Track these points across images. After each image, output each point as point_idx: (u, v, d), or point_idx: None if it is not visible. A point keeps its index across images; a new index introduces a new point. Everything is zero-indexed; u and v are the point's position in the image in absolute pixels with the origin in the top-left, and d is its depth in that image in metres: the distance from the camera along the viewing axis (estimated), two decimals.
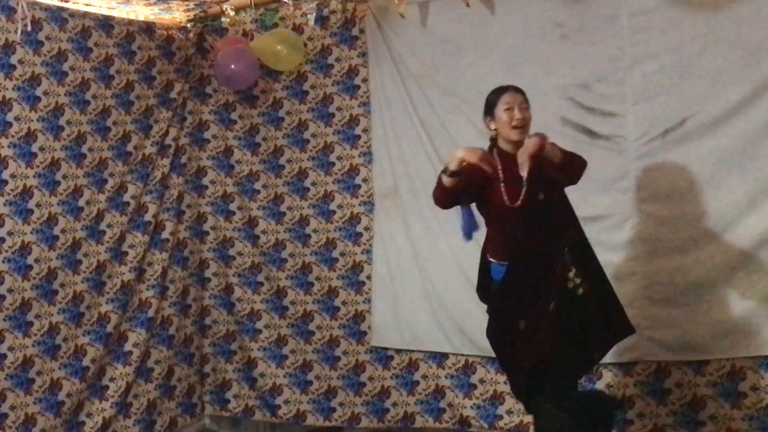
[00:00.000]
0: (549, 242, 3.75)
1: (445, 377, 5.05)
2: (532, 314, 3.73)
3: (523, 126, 3.79)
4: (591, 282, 3.78)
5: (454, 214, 4.91)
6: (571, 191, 4.60)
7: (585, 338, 3.78)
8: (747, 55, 4.24)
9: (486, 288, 3.99)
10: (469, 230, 3.90)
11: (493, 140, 3.89)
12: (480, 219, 3.90)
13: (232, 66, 5.25)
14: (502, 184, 3.76)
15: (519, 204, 3.72)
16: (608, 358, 4.57)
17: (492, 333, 3.92)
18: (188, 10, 5.42)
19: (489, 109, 3.89)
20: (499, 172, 3.77)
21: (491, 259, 3.92)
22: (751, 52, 4.23)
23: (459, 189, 3.76)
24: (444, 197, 3.83)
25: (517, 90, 3.88)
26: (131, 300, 5.22)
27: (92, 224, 5.03)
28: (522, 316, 3.76)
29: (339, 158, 5.35)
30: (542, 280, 3.73)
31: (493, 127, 3.87)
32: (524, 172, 3.66)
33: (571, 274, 3.72)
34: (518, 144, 3.77)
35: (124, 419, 5.12)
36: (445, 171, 3.71)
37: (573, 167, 3.80)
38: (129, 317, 5.21)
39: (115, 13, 5.20)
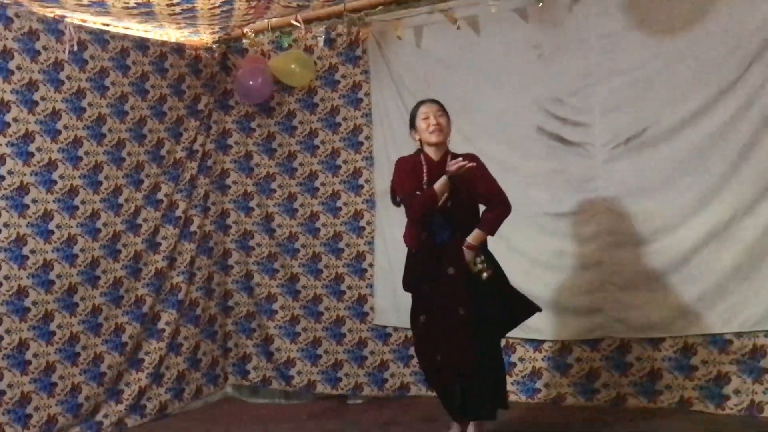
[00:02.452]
0: (456, 241, 3.77)
1: None
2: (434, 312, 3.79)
3: (440, 130, 3.82)
4: (494, 269, 3.81)
5: None
6: (545, 190, 4.67)
7: (492, 316, 3.77)
8: (699, 73, 4.23)
9: (408, 276, 3.99)
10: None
11: (420, 149, 3.91)
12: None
13: (250, 82, 5.25)
14: (425, 187, 3.79)
15: (438, 207, 3.75)
16: (577, 335, 4.62)
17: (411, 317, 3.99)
18: (213, 33, 5.43)
19: (412, 122, 3.94)
20: (425, 176, 3.82)
21: (409, 246, 3.96)
22: (703, 70, 4.22)
23: (436, 201, 3.77)
24: (429, 211, 3.80)
25: (433, 101, 3.92)
26: (164, 284, 5.23)
27: (130, 219, 5.03)
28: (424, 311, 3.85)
29: (344, 162, 5.34)
30: (452, 281, 3.75)
31: (417, 137, 3.91)
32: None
33: (478, 260, 3.74)
34: (439, 146, 3.84)
35: (157, 388, 5.13)
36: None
37: (493, 204, 3.83)
38: (162, 299, 5.22)
39: (150, 36, 5.20)
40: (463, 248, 3.73)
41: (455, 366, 3.73)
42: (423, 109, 3.89)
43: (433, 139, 3.82)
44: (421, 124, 3.86)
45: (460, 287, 3.73)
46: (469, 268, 3.72)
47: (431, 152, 3.87)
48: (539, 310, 3.97)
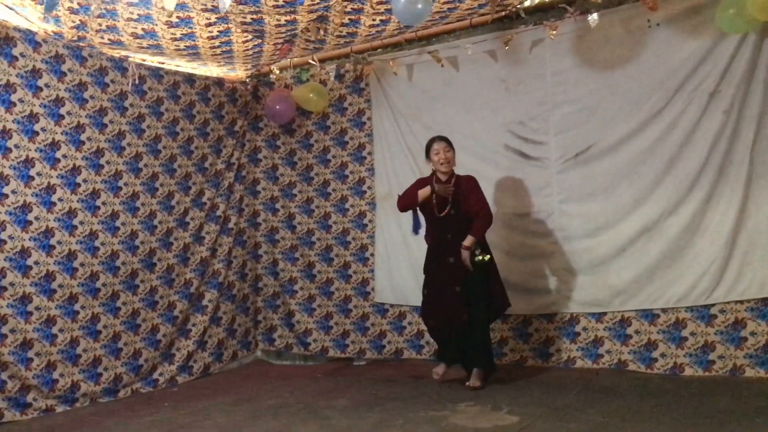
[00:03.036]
0: (456, 240, 4.07)
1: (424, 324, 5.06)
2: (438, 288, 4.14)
3: (448, 162, 4.15)
4: (491, 256, 4.12)
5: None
6: (511, 195, 4.68)
7: (478, 297, 4.07)
8: (633, 101, 4.26)
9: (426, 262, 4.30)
10: (416, 228, 4.29)
11: (433, 172, 4.23)
12: (422, 220, 4.26)
13: (277, 107, 5.28)
14: (434, 201, 4.13)
15: (443, 214, 4.11)
16: (535, 310, 4.63)
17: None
18: (247, 69, 5.45)
19: (427, 154, 4.21)
20: (434, 193, 4.15)
21: (428, 243, 4.29)
22: (636, 99, 4.25)
23: (416, 203, 4.17)
24: (411, 206, 4.21)
25: (442, 138, 4.19)
26: (207, 270, 5.25)
27: (180, 218, 5.06)
28: (426, 287, 4.22)
29: (351, 172, 5.36)
30: (451, 267, 4.06)
31: (430, 165, 4.24)
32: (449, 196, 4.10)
33: (477, 252, 4.03)
34: (447, 173, 4.16)
35: (201, 352, 5.15)
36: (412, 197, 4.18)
37: (478, 217, 4.07)
38: (205, 281, 5.24)
39: (196, 72, 5.23)
40: (461, 249, 4.01)
41: (451, 324, 4.10)
42: (435, 146, 4.18)
43: (443, 169, 4.16)
44: (433, 157, 4.18)
45: (456, 272, 4.05)
46: (466, 260, 4.00)
47: (441, 175, 4.19)
48: (509, 305, 4.21)
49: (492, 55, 4.67)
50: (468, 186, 4.14)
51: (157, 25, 3.90)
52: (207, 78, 5.33)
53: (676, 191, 4.16)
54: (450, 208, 4.11)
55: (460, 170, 4.82)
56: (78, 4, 3.64)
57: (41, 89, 4.18)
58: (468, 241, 4.02)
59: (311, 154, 5.51)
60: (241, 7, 3.70)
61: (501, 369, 4.55)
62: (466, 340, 4.08)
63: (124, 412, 4.09)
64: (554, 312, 4.58)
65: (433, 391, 4.07)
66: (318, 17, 3.96)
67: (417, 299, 5.05)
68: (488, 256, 4.07)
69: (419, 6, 3.33)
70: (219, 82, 5.44)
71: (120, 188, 4.63)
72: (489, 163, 4.75)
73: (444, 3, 3.97)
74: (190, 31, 4.02)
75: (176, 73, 5.07)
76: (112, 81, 4.59)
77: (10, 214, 4.03)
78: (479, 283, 4.04)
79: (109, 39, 4.15)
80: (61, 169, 4.28)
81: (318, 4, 3.76)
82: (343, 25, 4.15)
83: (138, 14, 3.76)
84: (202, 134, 5.27)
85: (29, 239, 4.10)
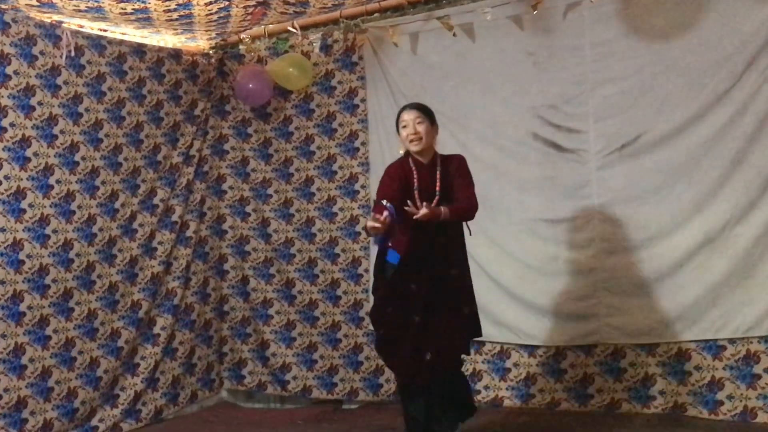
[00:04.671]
0: (446, 244, 3.80)
1: None
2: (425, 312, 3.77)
3: (419, 139, 3.79)
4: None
5: None
6: (540, 197, 4.68)
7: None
8: (692, 80, 4.25)
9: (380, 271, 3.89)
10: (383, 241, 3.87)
11: (407, 154, 3.89)
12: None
13: (250, 86, 5.26)
14: (416, 191, 3.78)
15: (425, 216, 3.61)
16: (571, 340, 4.63)
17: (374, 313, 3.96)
18: (210, 39, 5.44)
19: (397, 129, 3.94)
20: (415, 180, 3.81)
21: (392, 248, 3.82)
22: (696, 78, 4.24)
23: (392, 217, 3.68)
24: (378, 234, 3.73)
25: (413, 107, 3.89)
26: (159, 289, 5.23)
27: (126, 224, 5.03)
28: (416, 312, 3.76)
29: (340, 167, 5.35)
30: (454, 280, 3.82)
31: (401, 145, 3.93)
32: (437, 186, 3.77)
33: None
34: (423, 152, 3.82)
35: (152, 392, 5.12)
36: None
37: (460, 201, 3.77)
38: (157, 304, 5.22)
39: (147, 41, 5.21)
40: (427, 209, 3.57)
41: (446, 362, 3.84)
42: (403, 117, 3.87)
43: (413, 148, 3.82)
44: (402, 132, 3.87)
45: (462, 286, 3.87)
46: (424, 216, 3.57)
47: (419, 156, 3.86)
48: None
49: (517, 22, 4.67)
50: (457, 168, 3.87)
51: None
52: (160, 49, 5.31)
53: (746, 193, 4.16)
54: (438, 199, 3.77)
55: (476, 166, 4.81)
56: None
57: None
58: (441, 210, 3.65)
59: (290, 145, 5.50)
60: None
61: (530, 413, 4.53)
62: (451, 384, 3.89)
63: None
64: (594, 343, 4.57)
65: None
66: None
67: None
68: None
69: None
70: (175, 54, 5.42)
71: (50, 187, 4.59)
72: (513, 156, 4.74)
73: None
74: None
75: (122, 43, 5.04)
76: (42, 53, 4.56)
77: None
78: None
79: (38, 0, 4.12)
80: None
81: None
82: None
83: None
84: (154, 119, 5.25)
85: None
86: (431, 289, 3.75)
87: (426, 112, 3.86)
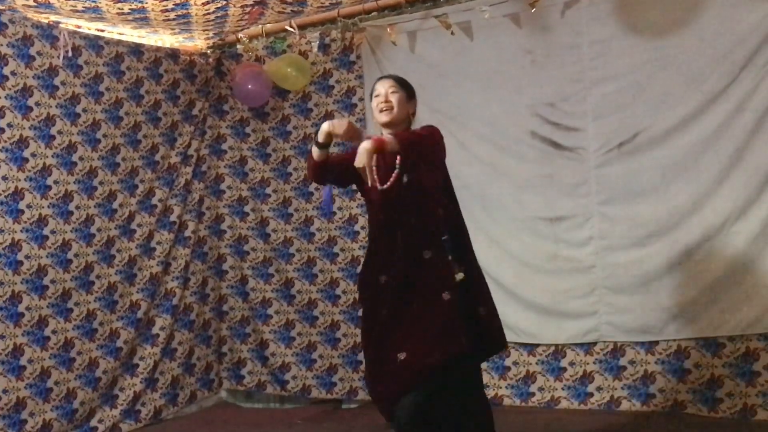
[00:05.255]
0: (416, 228, 3.24)
1: None
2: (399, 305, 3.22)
3: (390, 108, 3.31)
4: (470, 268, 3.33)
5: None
6: (539, 195, 4.67)
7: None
8: (690, 78, 4.25)
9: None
10: (327, 209, 3.49)
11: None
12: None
13: (249, 86, 5.26)
14: (374, 168, 3.07)
15: (387, 186, 3.08)
16: (570, 338, 4.63)
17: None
18: (208, 39, 5.44)
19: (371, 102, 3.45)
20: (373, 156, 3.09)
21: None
22: (694, 75, 4.24)
23: (329, 164, 3.30)
24: (313, 171, 3.34)
25: (389, 76, 3.47)
26: (158, 289, 5.22)
27: (125, 224, 5.03)
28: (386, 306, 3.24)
29: None
30: (416, 268, 3.21)
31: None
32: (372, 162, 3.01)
33: (456, 269, 3.24)
34: (392, 127, 3.31)
35: (151, 393, 5.12)
36: (315, 142, 3.26)
37: (413, 148, 3.13)
38: (156, 304, 5.21)
39: (144, 41, 5.21)
40: (366, 142, 3.03)
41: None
42: (377, 86, 3.39)
43: (382, 118, 3.32)
44: (373, 102, 3.37)
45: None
46: (361, 159, 3.01)
47: (388, 130, 3.32)
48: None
49: (515, 20, 4.67)
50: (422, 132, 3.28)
51: None
52: (158, 49, 5.31)
53: (745, 190, 4.15)
54: (398, 174, 3.08)
55: (474, 164, 4.83)
56: None
57: None
58: (386, 139, 3.06)
59: (289, 144, 5.50)
60: None
61: (529, 412, 4.53)
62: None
63: None
64: (593, 341, 4.57)
65: None
66: None
67: None
68: (461, 275, 3.24)
69: None
70: (173, 54, 5.42)
71: (48, 187, 4.59)
72: (511, 154, 4.74)
73: None
74: None
75: (119, 43, 5.04)
76: (39, 53, 4.56)
77: None
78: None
79: (35, 0, 4.12)
80: None
81: None
82: None
83: None
84: (151, 119, 5.25)
85: None
86: (404, 279, 3.21)
87: (402, 84, 3.41)
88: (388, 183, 3.09)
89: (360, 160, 3.00)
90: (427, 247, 3.23)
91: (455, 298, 3.16)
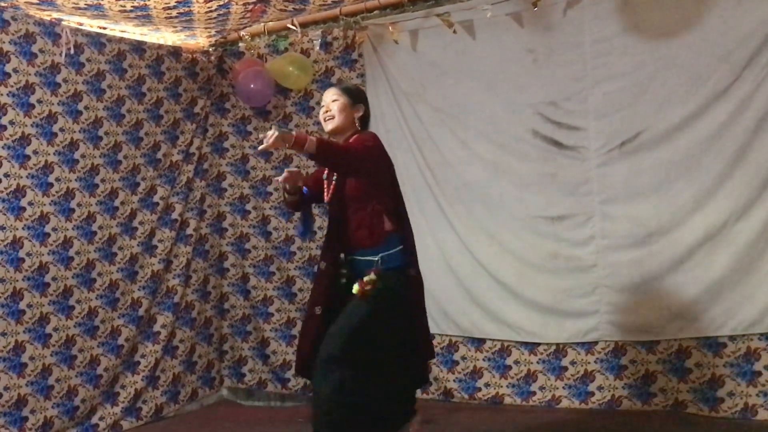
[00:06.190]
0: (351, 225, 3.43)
1: None
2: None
3: (331, 117, 3.45)
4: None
5: (441, 216, 4.96)
6: (540, 194, 4.67)
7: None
8: (692, 78, 4.24)
9: None
10: (304, 231, 3.91)
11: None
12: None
13: (252, 86, 5.26)
14: (325, 181, 3.48)
15: (327, 199, 3.42)
16: (569, 338, 4.63)
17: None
18: (210, 36, 5.44)
19: None
20: (325, 170, 3.52)
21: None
22: (696, 75, 4.23)
23: (306, 187, 3.57)
24: (289, 207, 3.78)
25: (333, 86, 3.56)
26: (160, 287, 5.23)
27: (126, 222, 5.04)
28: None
29: None
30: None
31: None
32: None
33: (344, 270, 3.42)
34: (337, 135, 3.47)
35: (152, 390, 5.13)
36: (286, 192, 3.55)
37: (326, 156, 3.23)
38: (158, 302, 5.22)
39: (146, 39, 5.21)
40: (273, 133, 3.16)
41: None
42: (323, 96, 3.55)
43: (326, 127, 3.47)
44: (320, 113, 3.57)
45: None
46: (268, 142, 3.16)
47: (333, 138, 3.48)
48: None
49: (517, 19, 4.66)
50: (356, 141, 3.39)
51: None
52: (160, 47, 5.31)
53: (747, 189, 4.15)
54: (333, 187, 3.34)
55: (476, 163, 4.83)
56: None
57: None
58: (306, 138, 3.13)
59: None
60: None
61: (530, 411, 4.54)
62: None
63: None
64: (594, 340, 4.58)
65: None
66: None
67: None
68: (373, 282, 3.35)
69: None
70: (175, 52, 5.42)
71: (50, 185, 4.60)
72: (512, 153, 4.74)
73: None
74: None
75: (121, 40, 5.05)
76: (41, 50, 4.56)
77: None
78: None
79: None
80: None
81: None
82: None
83: None
84: (153, 117, 5.26)
85: None
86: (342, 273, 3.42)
87: (345, 91, 3.51)
88: (327, 196, 3.48)
89: (267, 143, 3.14)
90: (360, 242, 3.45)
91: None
